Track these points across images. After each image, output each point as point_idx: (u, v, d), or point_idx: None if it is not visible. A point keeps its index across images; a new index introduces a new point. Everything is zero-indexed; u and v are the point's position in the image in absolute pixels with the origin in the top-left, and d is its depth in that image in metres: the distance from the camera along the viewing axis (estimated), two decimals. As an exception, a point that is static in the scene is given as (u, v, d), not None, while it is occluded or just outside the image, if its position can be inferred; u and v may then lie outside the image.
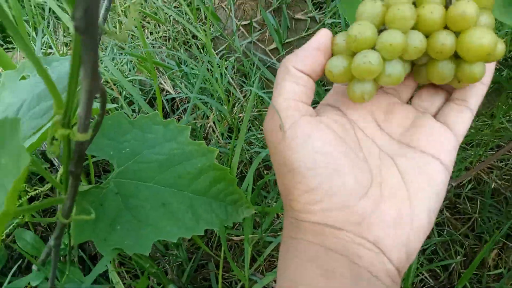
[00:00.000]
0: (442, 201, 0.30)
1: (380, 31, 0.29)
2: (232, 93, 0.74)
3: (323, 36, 0.31)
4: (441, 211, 0.70)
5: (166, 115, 0.75)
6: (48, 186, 0.35)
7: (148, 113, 0.47)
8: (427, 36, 0.29)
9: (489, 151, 0.74)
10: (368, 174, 0.29)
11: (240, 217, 0.37)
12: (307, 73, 0.31)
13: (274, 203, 0.59)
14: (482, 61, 0.29)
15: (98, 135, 0.32)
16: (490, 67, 0.32)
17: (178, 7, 0.85)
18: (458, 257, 0.63)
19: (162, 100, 0.72)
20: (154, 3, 0.79)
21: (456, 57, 0.30)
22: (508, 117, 0.76)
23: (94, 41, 0.15)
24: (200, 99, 0.55)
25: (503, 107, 0.61)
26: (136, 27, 0.79)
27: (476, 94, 0.32)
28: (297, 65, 0.31)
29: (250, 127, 0.70)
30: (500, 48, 0.29)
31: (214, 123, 0.64)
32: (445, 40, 0.28)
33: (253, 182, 0.48)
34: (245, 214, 0.37)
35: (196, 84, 0.47)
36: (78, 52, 0.17)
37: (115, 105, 0.45)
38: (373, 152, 0.31)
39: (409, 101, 0.35)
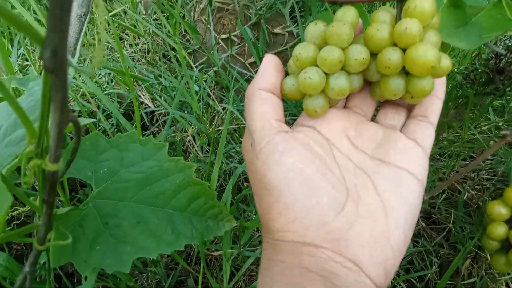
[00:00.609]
0: (417, 216, 0.31)
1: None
2: (212, 106, 0.75)
3: (272, 58, 0.34)
4: (417, 221, 0.72)
5: (145, 128, 0.75)
6: (28, 207, 0.35)
7: (126, 128, 0.48)
8: (377, 53, 0.32)
9: (462, 162, 0.78)
10: (344, 190, 0.30)
11: (221, 231, 0.38)
12: (271, 91, 0.33)
13: (254, 216, 0.60)
14: (429, 76, 0.31)
15: (76, 156, 0.33)
16: (442, 82, 0.35)
17: (157, 20, 0.86)
18: (434, 267, 0.66)
19: (141, 113, 0.73)
20: (134, 15, 0.80)
21: (407, 73, 0.32)
22: (479, 129, 0.80)
23: (62, 79, 0.16)
24: (179, 113, 0.56)
25: (471, 119, 0.64)
26: (114, 40, 0.80)
27: (435, 110, 0.34)
28: (261, 86, 0.33)
29: (229, 140, 0.71)
30: (446, 63, 0.32)
31: (193, 137, 0.65)
32: (392, 56, 0.31)
33: (232, 195, 0.49)
34: (226, 227, 0.38)
35: (175, 99, 0.48)
36: (48, 88, 0.18)
37: (93, 120, 0.45)
38: (349, 169, 0.32)
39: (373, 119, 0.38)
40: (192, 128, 0.60)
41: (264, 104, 0.32)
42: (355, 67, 0.32)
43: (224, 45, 0.82)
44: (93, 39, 0.87)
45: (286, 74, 0.36)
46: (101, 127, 0.69)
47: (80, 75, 0.75)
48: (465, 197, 0.72)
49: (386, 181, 0.31)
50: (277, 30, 0.82)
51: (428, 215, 0.74)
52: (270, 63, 0.34)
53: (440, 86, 0.35)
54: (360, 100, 0.37)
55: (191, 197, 0.36)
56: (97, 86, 0.71)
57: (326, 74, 0.33)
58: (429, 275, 0.65)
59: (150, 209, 0.34)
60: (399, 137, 0.33)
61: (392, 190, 0.31)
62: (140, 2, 0.87)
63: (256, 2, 0.82)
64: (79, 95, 0.67)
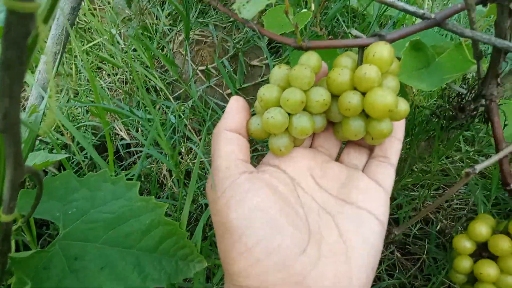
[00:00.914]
0: (379, 256, 0.32)
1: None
2: (189, 137, 0.76)
3: (238, 99, 0.36)
4: (391, 252, 0.73)
5: (120, 159, 0.75)
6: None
7: (99, 164, 0.48)
8: (338, 95, 0.34)
9: (436, 191, 0.80)
10: (306, 231, 0.30)
11: (191, 272, 0.37)
12: (237, 132, 0.34)
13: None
14: (388, 118, 0.33)
15: (44, 197, 0.33)
16: (401, 124, 0.37)
17: (136, 50, 0.87)
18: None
19: (117, 145, 0.73)
20: (110, 47, 0.81)
21: (367, 116, 0.34)
22: (451, 159, 0.83)
23: (14, 137, 0.17)
24: (150, 151, 0.56)
25: (440, 151, 0.67)
26: (91, 70, 0.81)
27: (394, 151, 0.36)
28: (227, 126, 0.34)
29: (206, 172, 0.72)
30: (403, 107, 0.34)
31: (168, 170, 0.65)
32: (352, 98, 0.33)
33: (205, 233, 0.49)
34: (196, 268, 0.38)
35: (149, 136, 0.49)
36: (2, 147, 0.19)
37: (66, 155, 0.45)
38: (312, 209, 0.33)
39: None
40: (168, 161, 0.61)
41: (229, 144, 0.33)
42: (317, 108, 0.34)
43: (202, 77, 0.84)
44: (71, 68, 0.88)
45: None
46: (75, 160, 0.69)
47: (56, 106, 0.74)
48: (438, 227, 0.74)
49: (349, 221, 0.32)
50: (254, 62, 0.85)
51: (403, 246, 0.75)
52: (236, 104, 0.35)
53: (399, 128, 0.37)
54: (325, 139, 0.38)
55: (161, 237, 0.36)
56: (72, 118, 0.71)
57: (289, 114, 0.34)
58: (404, 307, 0.66)
59: (118, 250, 0.34)
60: (361, 178, 0.35)
61: (354, 230, 0.32)
62: (120, 33, 0.89)
63: (234, 35, 0.85)
64: (53, 127, 0.67)
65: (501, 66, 0.38)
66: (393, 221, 0.77)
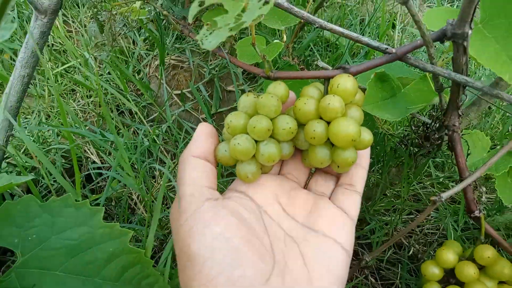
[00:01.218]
0: (344, 285, 0.32)
1: None
2: (163, 161, 0.75)
3: (206, 126, 0.36)
4: (366, 277, 0.74)
5: (90, 181, 0.73)
6: None
7: (65, 190, 0.47)
8: (304, 124, 0.35)
9: (408, 216, 0.81)
10: (270, 261, 0.30)
11: None
12: (204, 159, 0.34)
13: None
14: (351, 147, 0.35)
15: (4, 222, 0.32)
16: (366, 153, 0.38)
17: (111, 74, 0.87)
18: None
19: (89, 169, 0.72)
20: (84, 71, 0.81)
21: (332, 145, 0.35)
22: (422, 184, 0.85)
23: None
24: (119, 173, 0.56)
25: (409, 177, 0.69)
26: (64, 93, 0.80)
27: (360, 178, 0.37)
28: (194, 152, 0.34)
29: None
30: (367, 136, 0.35)
31: (138, 196, 0.64)
32: (316, 127, 0.34)
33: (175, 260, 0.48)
34: None
35: (115, 160, 0.48)
36: None
37: (32, 177, 0.44)
38: (278, 237, 0.33)
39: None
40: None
41: (195, 171, 0.33)
42: (283, 136, 0.35)
43: (178, 100, 0.85)
44: (43, 90, 0.87)
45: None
46: (44, 183, 0.68)
47: (23, 131, 0.73)
48: (410, 252, 0.75)
49: (314, 250, 0.32)
50: (230, 87, 0.86)
51: (377, 270, 0.76)
52: (203, 131, 0.36)
53: (364, 157, 0.38)
54: (294, 167, 0.39)
55: (124, 266, 0.35)
56: (42, 140, 0.70)
57: (256, 141, 0.35)
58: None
59: (79, 279, 0.33)
60: (328, 206, 0.36)
61: (319, 260, 0.32)
62: (95, 58, 0.89)
63: (210, 61, 0.86)
64: (22, 150, 0.65)
65: (461, 98, 0.40)
66: (366, 246, 0.78)
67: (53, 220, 0.35)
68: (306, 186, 0.40)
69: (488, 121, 0.90)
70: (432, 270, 0.48)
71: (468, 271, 0.45)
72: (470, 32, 0.33)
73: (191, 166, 0.34)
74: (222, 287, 0.28)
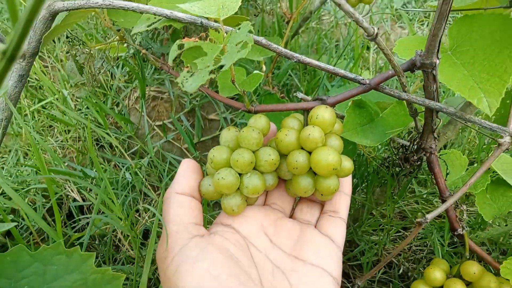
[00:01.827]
0: None
1: None
2: (146, 194, 0.76)
3: (189, 162, 0.37)
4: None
5: (74, 221, 0.73)
6: None
7: (51, 223, 0.47)
8: (286, 155, 0.37)
9: (396, 234, 0.84)
10: None
11: None
12: (189, 195, 0.35)
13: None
14: (333, 175, 0.37)
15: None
16: (348, 180, 0.40)
17: (89, 108, 0.88)
18: None
19: (70, 206, 0.71)
20: (61, 107, 0.82)
21: (315, 173, 0.37)
22: (406, 202, 0.88)
23: None
24: (102, 213, 0.56)
25: (393, 197, 0.71)
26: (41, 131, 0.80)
27: (343, 205, 0.39)
28: (178, 189, 0.35)
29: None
30: (347, 164, 0.38)
31: (122, 233, 0.65)
32: (298, 158, 0.36)
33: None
34: None
35: (97, 200, 0.49)
36: None
37: (14, 224, 0.44)
38: (266, 269, 0.34)
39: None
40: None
41: (180, 208, 0.34)
42: (266, 167, 0.37)
43: (160, 131, 0.86)
44: (20, 128, 0.87)
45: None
46: (23, 224, 0.67)
47: (4, 167, 0.73)
48: (400, 271, 0.77)
49: (303, 280, 0.33)
50: (212, 116, 0.88)
51: (369, 292, 0.77)
52: (187, 167, 0.37)
53: (346, 184, 0.40)
54: (278, 197, 0.41)
55: None
56: (21, 180, 0.69)
57: (240, 174, 0.37)
58: None
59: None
60: (314, 234, 0.37)
61: None
62: (73, 94, 0.89)
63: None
64: (-1, 192, 0.65)
65: (435, 122, 0.42)
66: (357, 267, 0.79)
67: (45, 269, 0.35)
68: (291, 215, 0.41)
69: (465, 136, 0.95)
70: (422, 290, 0.50)
71: (456, 288, 0.47)
72: (437, 61, 0.36)
73: (175, 204, 0.34)
74: None
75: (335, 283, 0.34)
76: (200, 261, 0.31)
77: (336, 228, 0.38)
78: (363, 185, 0.77)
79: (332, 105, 0.39)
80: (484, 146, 0.89)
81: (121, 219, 0.52)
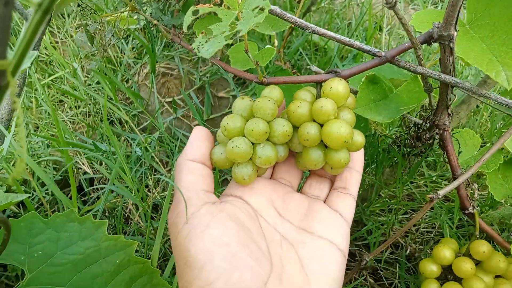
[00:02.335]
0: (341, 283, 0.34)
1: None
2: (156, 170, 0.76)
3: (201, 129, 0.37)
4: (364, 278, 0.76)
5: (84, 194, 0.74)
6: None
7: (61, 201, 0.48)
8: (297, 127, 0.37)
9: (404, 215, 0.84)
10: (268, 264, 0.31)
11: None
12: (201, 162, 0.35)
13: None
14: (344, 149, 0.36)
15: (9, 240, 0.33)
16: (360, 157, 0.40)
17: (100, 83, 0.88)
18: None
19: (80, 180, 0.72)
20: (73, 80, 0.82)
21: (326, 146, 0.37)
22: (416, 184, 0.87)
23: None
24: (114, 188, 0.56)
25: (403, 177, 0.71)
26: (52, 104, 0.80)
27: (354, 182, 0.39)
28: (190, 156, 0.35)
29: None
30: (359, 139, 0.37)
31: (134, 204, 0.65)
32: (310, 129, 0.35)
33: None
34: None
35: (113, 172, 0.49)
36: None
37: (27, 195, 0.45)
38: (275, 241, 0.34)
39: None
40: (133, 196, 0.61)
41: (192, 174, 0.34)
42: (280, 138, 0.37)
43: (169, 108, 0.86)
44: (31, 102, 0.87)
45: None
46: (35, 195, 0.68)
47: (13, 143, 0.73)
48: (407, 251, 0.77)
49: (310, 252, 0.34)
50: (221, 94, 0.88)
51: (375, 271, 0.78)
52: (199, 135, 0.36)
53: (358, 161, 0.40)
54: (286, 171, 0.41)
55: (132, 277, 0.36)
56: (32, 153, 0.70)
57: (253, 144, 0.37)
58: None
59: (85, 295, 0.34)
60: (323, 208, 0.37)
61: (316, 261, 0.33)
62: (82, 67, 0.89)
63: (200, 68, 0.87)
64: (12, 163, 0.66)
65: (450, 98, 0.42)
66: (364, 247, 0.80)
67: (58, 236, 0.36)
68: (300, 190, 0.41)
69: (476, 120, 0.93)
70: (430, 268, 0.50)
71: (465, 266, 0.47)
72: (455, 34, 0.36)
73: (187, 170, 0.34)
74: None
75: (342, 256, 0.34)
76: (211, 228, 0.31)
77: (345, 204, 0.37)
78: (373, 165, 0.76)
79: (346, 78, 0.39)
80: (496, 130, 0.88)
81: (132, 191, 0.53)
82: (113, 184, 0.51)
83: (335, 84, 0.36)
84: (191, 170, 0.34)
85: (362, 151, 0.40)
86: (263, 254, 0.32)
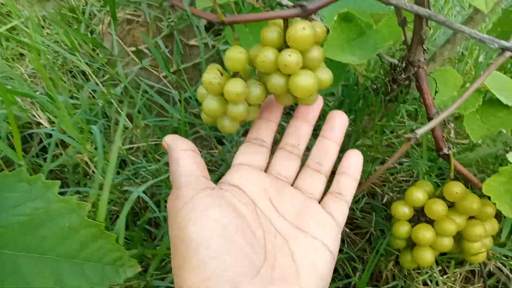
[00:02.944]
0: (328, 283, 0.35)
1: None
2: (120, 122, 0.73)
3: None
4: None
5: (42, 150, 0.70)
6: None
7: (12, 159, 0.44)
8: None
9: (381, 165, 0.83)
10: (262, 253, 0.32)
11: (121, 278, 0.36)
12: (194, 151, 0.36)
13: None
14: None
15: None
16: (358, 163, 0.42)
17: (59, 34, 0.82)
18: (358, 273, 0.69)
19: (39, 133, 0.68)
20: (27, 30, 0.76)
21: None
22: (395, 133, 0.86)
23: None
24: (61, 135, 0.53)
25: (381, 125, 0.69)
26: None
27: (350, 189, 0.40)
28: (183, 147, 0.36)
29: (145, 157, 0.70)
30: (326, 77, 0.37)
31: (90, 159, 0.63)
32: (276, 81, 0.36)
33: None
34: (128, 273, 0.36)
35: (57, 120, 0.45)
36: None
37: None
38: (270, 231, 0.35)
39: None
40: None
41: (189, 161, 0.35)
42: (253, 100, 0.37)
43: (135, 58, 0.81)
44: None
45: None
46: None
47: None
48: (384, 200, 0.77)
49: (303, 248, 0.35)
50: (192, 42, 0.83)
51: (351, 221, 0.78)
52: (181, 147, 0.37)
53: (356, 167, 0.41)
54: (282, 166, 0.41)
55: (83, 242, 0.34)
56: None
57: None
58: (354, 282, 0.68)
59: (30, 257, 0.32)
60: (318, 209, 0.38)
61: (307, 259, 0.34)
62: (44, 19, 0.83)
63: (169, 14, 0.82)
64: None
65: (425, 31, 0.39)
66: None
67: (5, 196, 0.33)
68: (293, 184, 0.42)
69: (461, 67, 0.91)
70: (402, 210, 0.49)
71: (437, 208, 0.46)
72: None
73: (184, 158, 0.35)
74: (213, 272, 0.28)
75: (332, 257, 0.36)
76: (211, 210, 0.31)
77: (339, 208, 0.39)
78: (352, 116, 0.74)
79: (315, 12, 0.36)
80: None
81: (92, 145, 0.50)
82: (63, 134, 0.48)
83: (299, 30, 0.34)
84: (188, 157, 0.35)
85: (360, 158, 0.42)
86: (258, 243, 0.32)
